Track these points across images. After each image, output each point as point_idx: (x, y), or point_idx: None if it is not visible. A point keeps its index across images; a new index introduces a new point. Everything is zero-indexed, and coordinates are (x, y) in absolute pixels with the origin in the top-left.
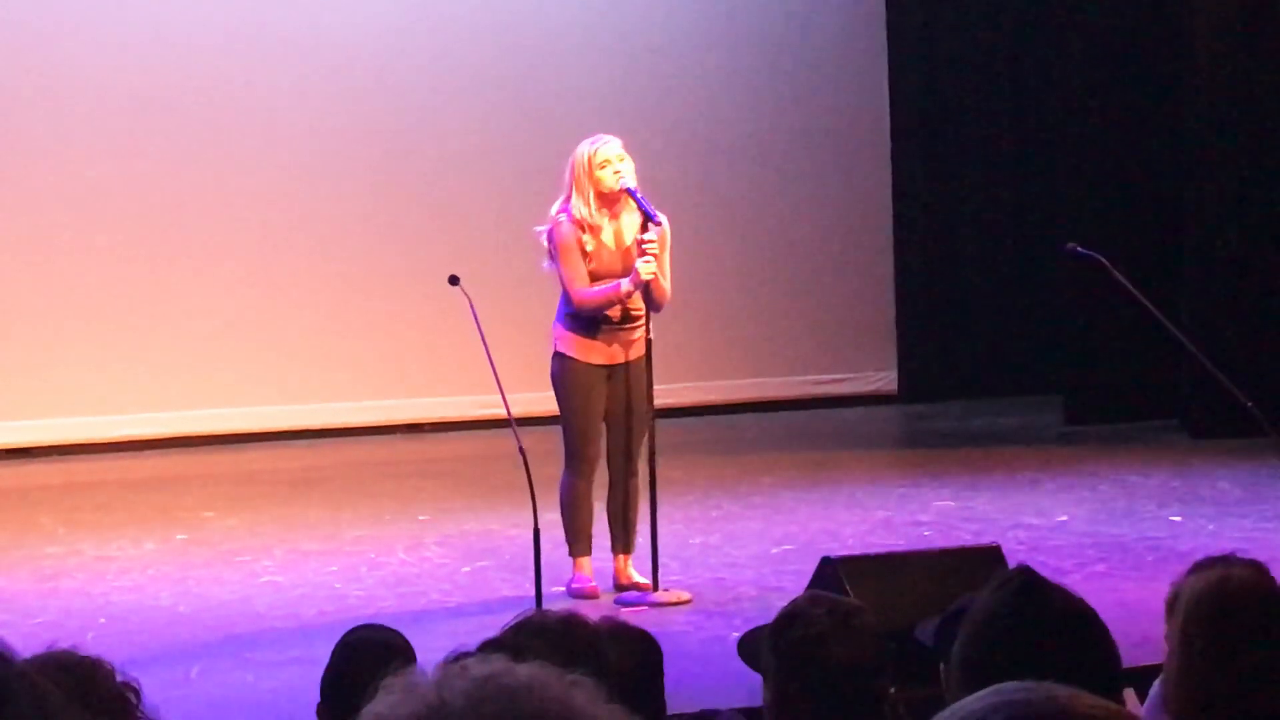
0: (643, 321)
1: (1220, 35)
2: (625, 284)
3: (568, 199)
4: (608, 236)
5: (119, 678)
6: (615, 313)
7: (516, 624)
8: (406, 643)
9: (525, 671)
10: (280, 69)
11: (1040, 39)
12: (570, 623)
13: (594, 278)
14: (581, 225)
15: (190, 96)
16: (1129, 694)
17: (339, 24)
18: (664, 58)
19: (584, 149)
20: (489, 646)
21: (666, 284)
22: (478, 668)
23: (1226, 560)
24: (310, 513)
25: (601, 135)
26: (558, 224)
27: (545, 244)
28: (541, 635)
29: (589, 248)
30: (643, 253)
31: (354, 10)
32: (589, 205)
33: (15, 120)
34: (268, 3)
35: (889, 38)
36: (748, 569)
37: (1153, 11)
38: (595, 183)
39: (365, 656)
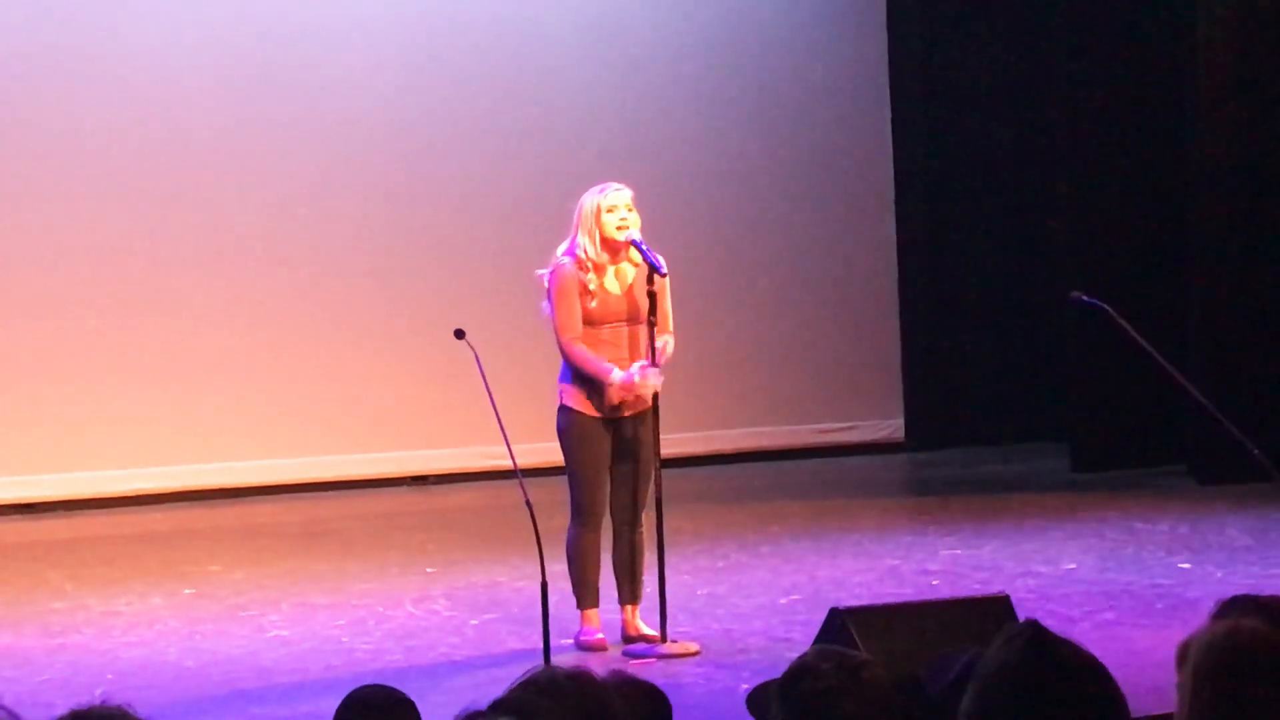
0: None
1: (1225, 79)
2: (617, 375)
3: (573, 240)
4: (610, 279)
5: None
6: (622, 363)
7: (525, 681)
8: (410, 701)
9: None
10: (290, 123)
11: (1043, 86)
12: (579, 679)
13: (595, 320)
14: (584, 265)
15: (199, 151)
16: None
17: (344, 77)
18: (669, 112)
19: (593, 194)
20: (498, 705)
21: (670, 330)
22: None
23: (1240, 608)
24: (317, 566)
25: (612, 184)
26: (560, 265)
27: (544, 285)
28: (551, 692)
29: (591, 286)
30: (654, 362)
31: (359, 63)
32: (594, 245)
33: (27, 175)
34: (270, 57)
35: (892, 85)
36: (756, 619)
37: (1157, 59)
38: (601, 227)
39: (368, 716)
